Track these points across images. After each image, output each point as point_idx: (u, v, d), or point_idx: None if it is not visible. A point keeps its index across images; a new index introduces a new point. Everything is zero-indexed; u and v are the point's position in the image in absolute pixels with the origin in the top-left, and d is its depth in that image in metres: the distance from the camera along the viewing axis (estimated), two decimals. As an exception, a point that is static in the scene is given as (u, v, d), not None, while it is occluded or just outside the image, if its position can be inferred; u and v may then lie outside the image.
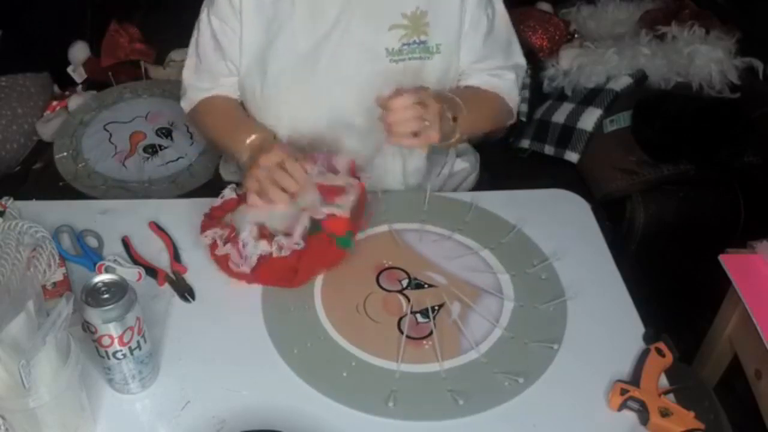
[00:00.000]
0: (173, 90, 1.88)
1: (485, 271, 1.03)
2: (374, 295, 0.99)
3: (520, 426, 0.83)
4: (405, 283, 1.01)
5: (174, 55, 1.95)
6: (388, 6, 1.11)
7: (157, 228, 1.08)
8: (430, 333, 0.93)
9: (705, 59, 1.69)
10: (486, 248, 1.06)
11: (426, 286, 1.00)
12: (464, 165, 1.35)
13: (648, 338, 0.92)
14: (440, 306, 0.97)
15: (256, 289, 0.99)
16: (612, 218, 1.59)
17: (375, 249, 1.06)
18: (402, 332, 0.93)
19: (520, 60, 1.27)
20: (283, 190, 0.99)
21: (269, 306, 0.97)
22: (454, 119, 1.07)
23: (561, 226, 1.10)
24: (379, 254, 1.05)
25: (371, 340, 0.92)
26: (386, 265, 1.03)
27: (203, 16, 1.19)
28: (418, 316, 0.96)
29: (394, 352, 0.90)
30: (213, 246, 0.99)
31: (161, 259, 1.04)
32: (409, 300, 0.98)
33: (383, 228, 1.09)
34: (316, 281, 1.00)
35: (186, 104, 1.28)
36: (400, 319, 0.95)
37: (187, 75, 1.25)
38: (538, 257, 1.04)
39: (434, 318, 0.95)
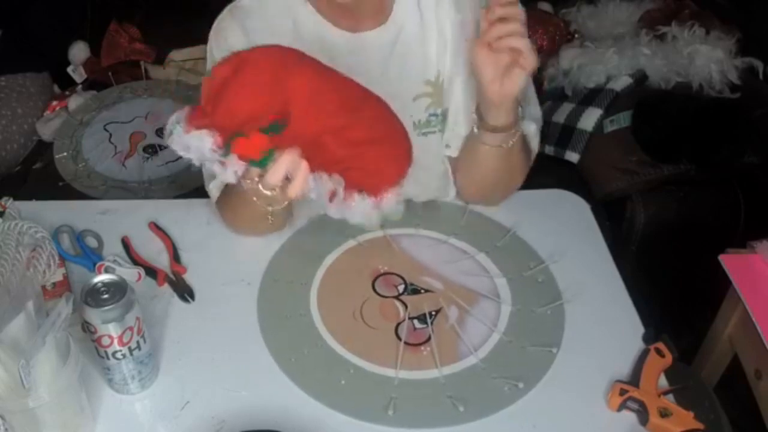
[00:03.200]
0: (173, 90, 1.89)
1: (482, 275, 1.02)
2: (370, 301, 0.98)
3: (521, 431, 0.82)
4: (401, 288, 1.00)
5: (174, 55, 1.95)
6: (412, 74, 1.03)
7: (157, 228, 1.08)
8: (428, 339, 0.93)
9: (705, 59, 1.69)
10: (482, 252, 1.05)
11: (423, 291, 0.99)
12: None
13: (648, 338, 0.92)
14: (437, 311, 0.96)
15: (256, 289, 0.99)
16: (612, 218, 1.59)
17: (370, 254, 1.05)
18: (399, 338, 0.92)
19: (536, 111, 1.09)
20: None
21: (265, 314, 0.96)
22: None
23: (561, 227, 1.10)
24: (374, 260, 1.04)
25: (369, 347, 0.91)
26: (382, 271, 1.02)
27: None
28: (416, 321, 0.95)
29: (392, 359, 0.90)
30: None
31: (161, 259, 1.04)
32: (406, 306, 0.97)
33: (378, 233, 1.08)
34: (311, 287, 0.99)
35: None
36: (398, 325, 0.95)
37: (214, 186, 1.07)
38: (535, 260, 1.03)
39: (432, 323, 0.95)
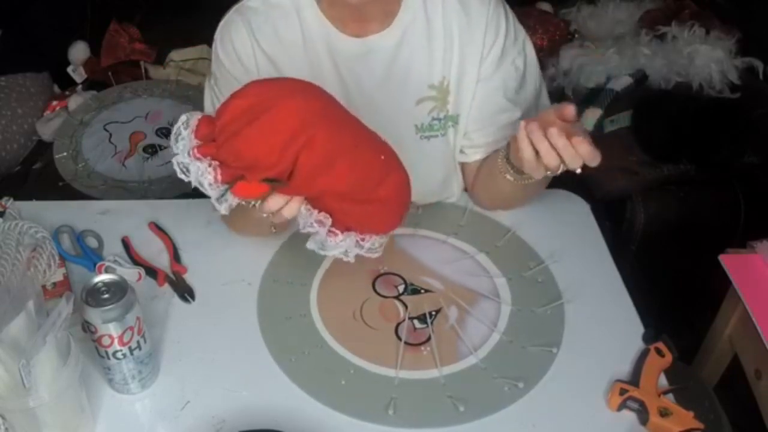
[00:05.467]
0: (173, 90, 1.89)
1: (482, 275, 1.02)
2: (371, 302, 0.98)
3: (521, 431, 0.83)
4: (401, 288, 1.00)
5: (174, 55, 1.95)
6: (416, 78, 1.02)
7: (157, 228, 1.08)
8: (428, 339, 0.93)
9: (705, 59, 1.69)
10: (482, 252, 1.05)
11: (423, 291, 0.99)
12: None
13: (647, 338, 0.92)
14: (437, 311, 0.96)
15: (256, 289, 0.99)
16: (612, 218, 1.59)
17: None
18: (400, 338, 0.92)
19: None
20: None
21: (265, 314, 0.96)
22: None
23: (561, 227, 1.10)
24: (374, 260, 1.01)
25: (369, 347, 0.91)
26: (382, 271, 1.02)
27: (210, 102, 1.05)
28: (416, 321, 0.95)
29: (392, 359, 0.90)
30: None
31: (161, 259, 1.04)
32: (406, 306, 0.97)
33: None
34: (311, 288, 0.99)
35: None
36: (398, 325, 0.95)
37: None
38: (535, 260, 1.03)
39: (432, 323, 0.95)
